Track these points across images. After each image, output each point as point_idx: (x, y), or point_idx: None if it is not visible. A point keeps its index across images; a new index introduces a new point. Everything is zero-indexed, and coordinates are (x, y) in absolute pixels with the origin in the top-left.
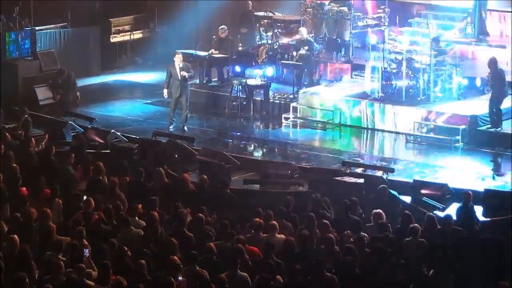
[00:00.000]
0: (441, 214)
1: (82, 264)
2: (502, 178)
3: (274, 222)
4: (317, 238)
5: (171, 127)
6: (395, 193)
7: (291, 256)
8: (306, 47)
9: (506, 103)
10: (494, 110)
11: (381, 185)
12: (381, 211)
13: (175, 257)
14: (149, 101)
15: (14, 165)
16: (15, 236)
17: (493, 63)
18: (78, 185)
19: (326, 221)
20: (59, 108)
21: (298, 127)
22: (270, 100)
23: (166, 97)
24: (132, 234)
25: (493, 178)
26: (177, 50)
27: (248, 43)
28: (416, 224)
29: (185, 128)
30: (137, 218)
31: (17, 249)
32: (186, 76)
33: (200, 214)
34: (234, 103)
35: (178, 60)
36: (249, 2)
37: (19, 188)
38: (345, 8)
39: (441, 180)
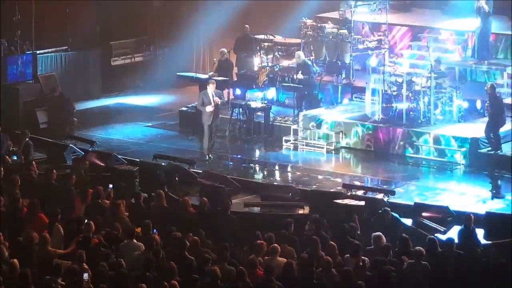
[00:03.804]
0: (442, 237)
1: None
2: (502, 200)
3: (275, 245)
4: (318, 261)
5: (210, 156)
6: (396, 215)
7: (290, 279)
8: (301, 71)
9: (506, 126)
10: (492, 135)
11: (383, 208)
12: (381, 234)
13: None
14: (150, 124)
15: (17, 191)
16: (15, 260)
17: (491, 89)
18: (78, 208)
19: (333, 243)
20: (54, 132)
21: (299, 149)
22: (271, 123)
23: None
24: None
25: (492, 199)
26: (210, 78)
27: (246, 66)
28: (420, 247)
29: (210, 155)
30: (135, 240)
31: (17, 273)
32: (219, 103)
33: (196, 238)
34: (234, 125)
35: (212, 88)
36: (247, 26)
37: (19, 212)
38: (345, 31)
39: (442, 203)
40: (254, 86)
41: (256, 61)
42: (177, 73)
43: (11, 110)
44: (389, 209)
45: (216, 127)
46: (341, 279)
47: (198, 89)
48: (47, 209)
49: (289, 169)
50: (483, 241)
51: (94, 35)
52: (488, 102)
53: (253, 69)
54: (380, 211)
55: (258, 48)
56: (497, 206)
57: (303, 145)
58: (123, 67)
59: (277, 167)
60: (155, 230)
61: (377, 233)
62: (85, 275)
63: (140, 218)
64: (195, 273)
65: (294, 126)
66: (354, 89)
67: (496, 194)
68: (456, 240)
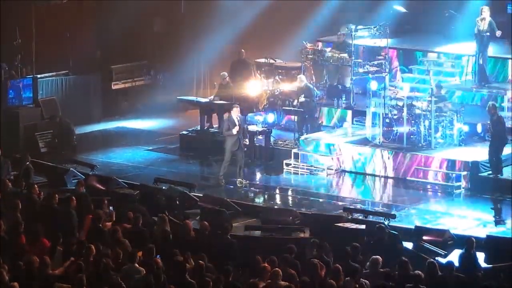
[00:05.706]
0: (443, 260)
1: None
2: (503, 224)
3: (277, 269)
4: (320, 284)
5: (223, 182)
6: (395, 232)
7: None
8: (303, 95)
9: (506, 149)
10: (494, 158)
11: (378, 225)
12: (379, 257)
13: None
14: (150, 148)
15: (18, 214)
16: (16, 284)
17: (492, 109)
18: (80, 231)
19: (338, 265)
20: (53, 156)
21: (299, 173)
22: (271, 146)
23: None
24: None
25: (495, 224)
26: (233, 104)
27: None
28: (419, 271)
29: (241, 181)
30: (136, 264)
31: None
32: (247, 143)
33: (201, 261)
34: None
35: (236, 113)
36: (242, 50)
37: (20, 236)
38: (346, 55)
39: (443, 226)
40: (254, 110)
41: (252, 85)
42: (178, 97)
43: (11, 134)
44: (383, 225)
45: (243, 152)
46: None
47: (198, 113)
48: (50, 232)
49: (289, 192)
50: (483, 265)
51: (95, 59)
52: (490, 122)
53: (249, 93)
54: (376, 225)
55: (258, 72)
56: (497, 229)
57: (303, 168)
58: (124, 91)
59: (277, 191)
60: (158, 256)
61: (375, 256)
62: None
63: (141, 242)
64: None
65: (294, 150)
66: (355, 112)
67: (499, 219)
68: (457, 264)
